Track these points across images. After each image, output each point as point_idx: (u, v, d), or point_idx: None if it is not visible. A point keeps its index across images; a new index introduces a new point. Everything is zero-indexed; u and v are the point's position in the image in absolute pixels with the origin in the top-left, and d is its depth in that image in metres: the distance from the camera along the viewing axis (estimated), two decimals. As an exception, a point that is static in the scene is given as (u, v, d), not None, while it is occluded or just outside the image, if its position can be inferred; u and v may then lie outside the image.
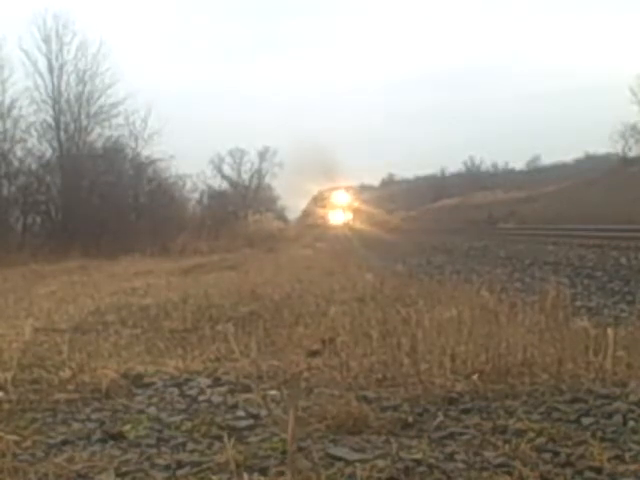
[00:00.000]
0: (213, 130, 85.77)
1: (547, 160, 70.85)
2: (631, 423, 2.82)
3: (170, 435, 2.88)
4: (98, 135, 28.51)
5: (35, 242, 23.60)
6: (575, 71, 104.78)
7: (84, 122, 27.87)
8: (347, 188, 59.48)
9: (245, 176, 67.84)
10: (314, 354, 4.24)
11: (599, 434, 2.70)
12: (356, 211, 57.47)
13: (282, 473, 2.38)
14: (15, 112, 26.68)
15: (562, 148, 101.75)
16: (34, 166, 26.83)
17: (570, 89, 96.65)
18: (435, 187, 68.33)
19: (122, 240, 23.01)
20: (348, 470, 2.41)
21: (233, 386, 3.61)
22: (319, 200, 60.60)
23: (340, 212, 57.10)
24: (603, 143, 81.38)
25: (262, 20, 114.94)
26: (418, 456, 2.51)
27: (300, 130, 75.66)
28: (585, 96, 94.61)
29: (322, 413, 2.98)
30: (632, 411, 2.94)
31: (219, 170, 64.69)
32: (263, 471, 2.43)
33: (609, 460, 2.45)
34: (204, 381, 3.73)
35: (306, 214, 65.36)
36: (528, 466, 2.39)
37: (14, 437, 2.87)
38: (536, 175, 62.76)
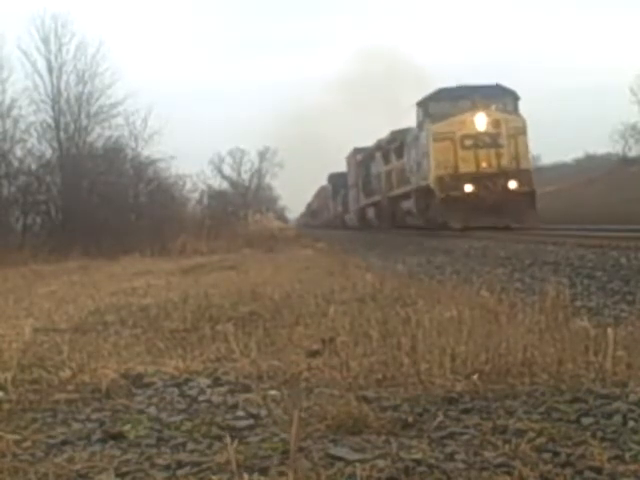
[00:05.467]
0: (213, 130, 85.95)
1: (547, 160, 70.62)
2: (631, 423, 2.82)
3: (170, 435, 2.88)
4: (98, 135, 28.48)
5: (35, 242, 23.55)
6: (575, 71, 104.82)
7: (84, 122, 27.84)
8: (487, 102, 23.20)
9: (245, 176, 68.19)
10: (314, 354, 4.24)
11: (599, 434, 2.70)
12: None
13: (282, 473, 2.38)
14: (15, 112, 26.66)
15: (562, 148, 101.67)
16: (34, 166, 26.80)
17: (570, 89, 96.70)
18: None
19: (122, 240, 22.96)
20: (348, 470, 2.41)
21: (233, 386, 3.61)
22: (380, 160, 30.69)
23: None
24: (603, 143, 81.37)
25: (263, 20, 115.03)
26: (418, 456, 2.51)
27: (300, 132, 75.45)
28: (585, 96, 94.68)
29: (322, 413, 2.98)
30: (632, 411, 2.94)
31: (219, 170, 64.98)
32: (263, 471, 2.43)
33: (609, 460, 2.45)
34: (204, 381, 3.73)
35: (316, 204, 51.39)
36: (528, 466, 2.40)
37: (14, 437, 2.87)
38: (536, 175, 62.59)
